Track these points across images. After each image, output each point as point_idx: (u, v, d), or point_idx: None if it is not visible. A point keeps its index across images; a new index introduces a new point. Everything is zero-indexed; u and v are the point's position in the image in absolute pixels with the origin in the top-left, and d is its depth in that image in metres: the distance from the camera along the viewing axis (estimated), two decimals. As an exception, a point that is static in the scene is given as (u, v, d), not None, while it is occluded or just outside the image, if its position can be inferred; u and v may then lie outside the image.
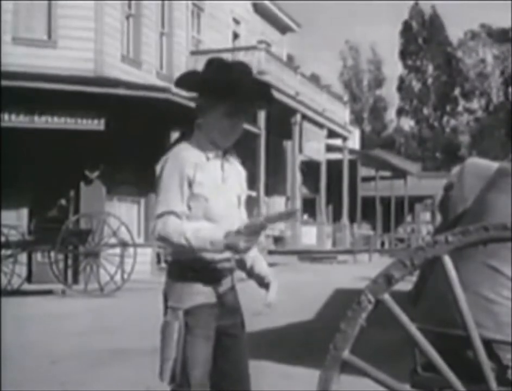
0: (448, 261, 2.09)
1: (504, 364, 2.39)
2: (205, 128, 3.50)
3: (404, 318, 2.12)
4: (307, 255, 27.72)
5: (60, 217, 17.63)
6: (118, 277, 16.26)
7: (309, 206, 33.57)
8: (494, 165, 2.79)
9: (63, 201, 18.81)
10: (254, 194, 23.21)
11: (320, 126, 30.51)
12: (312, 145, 29.72)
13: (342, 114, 34.10)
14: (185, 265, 3.41)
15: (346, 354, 2.17)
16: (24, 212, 18.91)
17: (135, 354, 8.26)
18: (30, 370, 7.59)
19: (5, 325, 9.76)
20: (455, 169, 2.91)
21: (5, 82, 16.86)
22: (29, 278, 18.10)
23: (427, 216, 42.08)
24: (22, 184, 18.05)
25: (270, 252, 23.81)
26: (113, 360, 8.07)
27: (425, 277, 2.69)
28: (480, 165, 2.84)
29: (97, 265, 16.64)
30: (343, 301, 13.45)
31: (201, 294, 3.39)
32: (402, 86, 63.78)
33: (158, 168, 3.45)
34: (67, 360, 8.10)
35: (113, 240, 16.69)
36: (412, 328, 2.13)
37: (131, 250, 16.39)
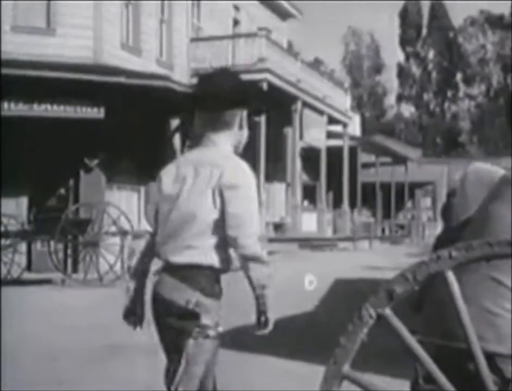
0: (451, 276, 2.05)
1: (506, 377, 2.37)
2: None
3: (405, 333, 2.08)
4: (307, 243, 27.72)
5: (60, 206, 17.63)
6: (117, 267, 16.26)
7: (309, 193, 33.54)
8: (498, 171, 2.75)
9: (62, 190, 18.78)
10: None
11: (321, 112, 30.43)
12: (313, 132, 29.66)
13: (343, 100, 34.00)
14: (211, 275, 3.19)
15: (346, 369, 2.14)
16: (24, 201, 18.86)
17: (134, 350, 8.19)
18: (27, 364, 7.57)
19: (5, 314, 9.73)
20: (459, 175, 2.87)
21: (4, 71, 16.79)
22: (28, 268, 18.10)
23: (427, 202, 42.09)
24: (21, 173, 17.99)
25: (271, 240, 23.80)
26: (111, 356, 8.03)
27: (426, 286, 2.65)
28: (483, 171, 2.79)
29: (96, 254, 16.63)
30: (343, 291, 13.44)
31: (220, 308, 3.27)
32: (401, 73, 63.74)
33: None
34: (65, 356, 8.06)
35: (113, 229, 16.67)
36: (413, 342, 2.09)
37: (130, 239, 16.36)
